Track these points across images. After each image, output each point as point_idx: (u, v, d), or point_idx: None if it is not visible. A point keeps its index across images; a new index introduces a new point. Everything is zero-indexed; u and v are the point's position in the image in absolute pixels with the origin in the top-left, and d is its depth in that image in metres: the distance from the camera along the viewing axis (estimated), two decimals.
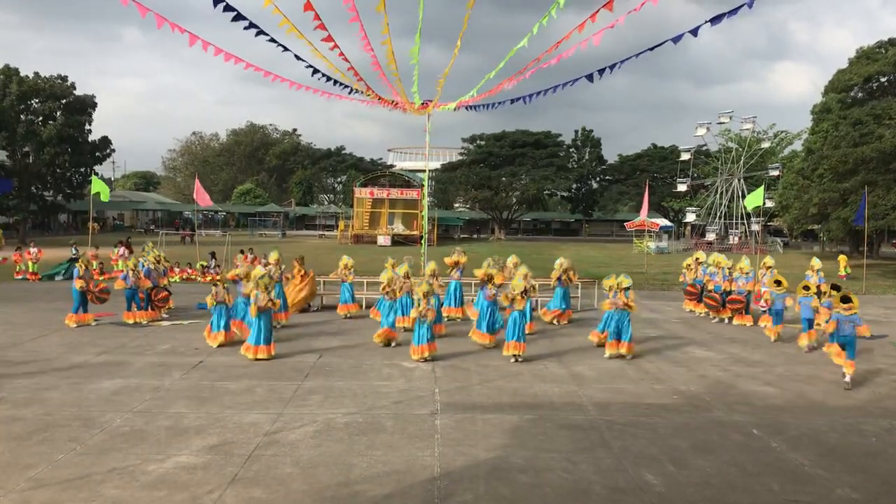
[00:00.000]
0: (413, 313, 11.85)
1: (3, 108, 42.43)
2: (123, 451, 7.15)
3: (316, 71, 13.81)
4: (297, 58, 12.68)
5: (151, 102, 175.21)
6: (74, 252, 25.36)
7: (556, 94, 13.67)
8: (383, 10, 11.55)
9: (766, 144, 54.62)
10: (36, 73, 45.13)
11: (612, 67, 10.86)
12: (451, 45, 15.43)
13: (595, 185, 72.97)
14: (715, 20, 8.48)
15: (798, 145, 52.38)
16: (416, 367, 11.16)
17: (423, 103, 17.54)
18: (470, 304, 15.34)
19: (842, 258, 28.14)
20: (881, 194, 29.05)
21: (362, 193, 53.23)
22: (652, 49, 9.60)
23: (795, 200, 36.53)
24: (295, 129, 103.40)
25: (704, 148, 58.34)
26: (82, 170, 47.56)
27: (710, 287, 16.79)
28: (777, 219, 53.37)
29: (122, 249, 24.46)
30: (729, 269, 16.54)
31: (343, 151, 79.16)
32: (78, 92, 46.51)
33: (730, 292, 16.29)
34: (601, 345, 12.62)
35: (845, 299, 10.89)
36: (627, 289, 12.21)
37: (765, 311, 15.43)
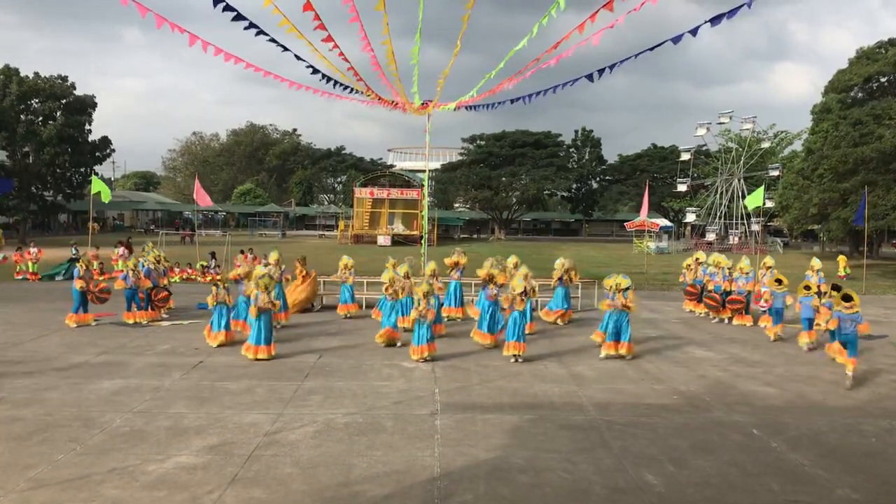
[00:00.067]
0: (413, 314, 11.85)
1: (3, 108, 42.44)
2: (123, 452, 7.16)
3: (316, 71, 13.81)
4: (298, 58, 12.68)
5: (151, 102, 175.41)
6: (75, 252, 25.36)
7: (556, 94, 13.67)
8: (383, 10, 11.54)
9: (766, 144, 54.64)
10: (36, 74, 45.17)
11: (611, 67, 10.85)
12: (451, 45, 15.44)
13: (595, 186, 73.00)
14: (714, 21, 8.48)
15: (798, 145, 52.44)
16: (415, 368, 11.16)
17: (422, 103, 17.54)
18: (472, 304, 15.34)
19: (841, 258, 28.17)
20: (881, 194, 29.05)
21: (362, 193, 53.24)
22: (652, 49, 9.60)
23: (795, 200, 36.54)
24: (295, 129, 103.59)
25: (704, 148, 58.37)
26: (82, 170, 47.57)
27: (710, 287, 16.79)
28: (777, 219, 53.38)
29: (121, 249, 24.46)
30: (729, 269, 16.55)
31: (343, 151, 79.25)
32: (78, 92, 46.57)
33: (730, 292, 16.30)
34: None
35: (847, 297, 10.92)
36: (626, 289, 12.20)
37: (765, 312, 15.45)
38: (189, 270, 23.67)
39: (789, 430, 8.37)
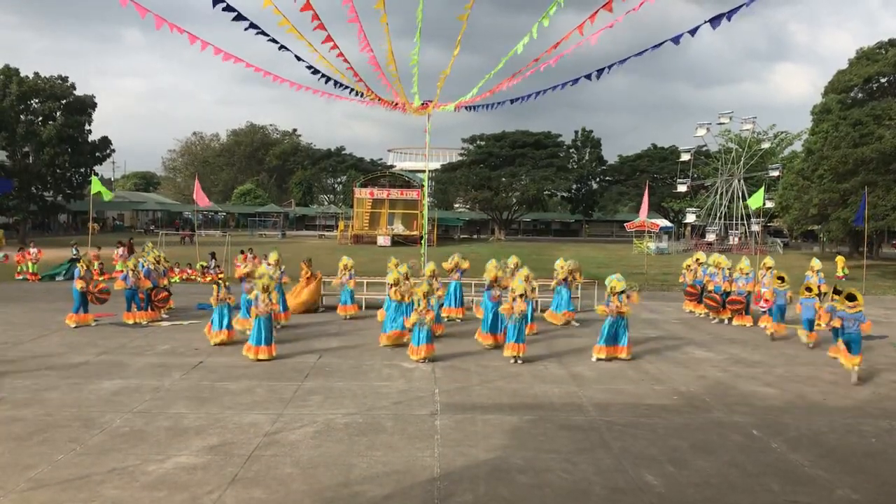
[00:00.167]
0: (414, 317, 11.84)
1: (3, 109, 42.44)
2: (123, 452, 7.16)
3: (316, 71, 13.81)
4: (298, 58, 12.68)
5: (151, 103, 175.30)
6: (75, 252, 25.37)
7: (556, 95, 13.71)
8: (382, 9, 11.53)
9: (766, 145, 54.63)
10: (36, 74, 45.18)
11: (609, 68, 10.82)
12: (451, 45, 15.44)
13: (595, 186, 72.99)
14: (714, 21, 8.47)
15: (798, 146, 52.44)
16: (415, 368, 11.17)
17: (422, 104, 17.53)
18: (478, 306, 15.35)
19: (839, 259, 28.20)
20: (881, 195, 29.06)
21: (362, 194, 53.23)
22: (653, 49, 9.59)
23: (795, 201, 36.56)
24: (295, 130, 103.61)
25: (704, 148, 58.36)
26: (82, 170, 47.58)
27: (710, 288, 16.80)
28: (777, 219, 53.40)
29: (121, 250, 24.46)
30: (729, 269, 16.57)
31: (343, 152, 79.28)
32: (78, 92, 46.58)
33: (729, 293, 16.31)
34: None
35: (851, 297, 10.97)
36: (621, 293, 12.18)
37: (765, 312, 15.49)
38: (189, 271, 23.68)
39: (789, 430, 8.37)
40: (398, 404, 9.09)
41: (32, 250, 23.70)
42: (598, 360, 11.94)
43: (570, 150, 70.43)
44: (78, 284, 14.32)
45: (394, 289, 12.90)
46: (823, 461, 7.35)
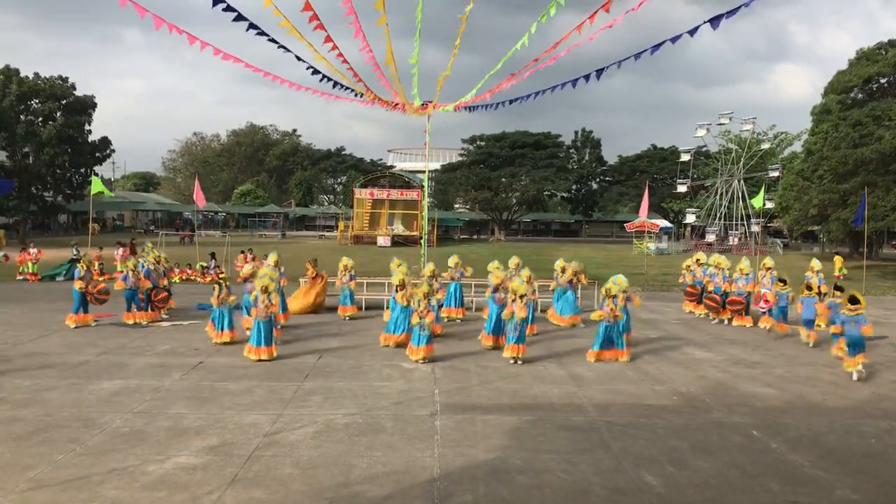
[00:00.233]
0: (414, 318, 11.83)
1: (3, 109, 42.42)
2: (123, 452, 7.16)
3: (316, 72, 13.81)
4: (298, 59, 12.68)
5: (151, 103, 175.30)
6: (75, 253, 25.37)
7: (555, 95, 13.70)
8: (382, 9, 11.52)
9: (765, 145, 54.63)
10: (36, 74, 45.16)
11: (605, 69, 10.80)
12: (451, 46, 15.44)
13: (595, 186, 72.99)
14: (714, 22, 8.48)
15: (798, 146, 52.45)
16: (415, 368, 11.17)
17: (422, 104, 17.54)
18: (486, 309, 15.36)
19: (837, 259, 28.24)
20: (881, 195, 29.07)
21: (362, 194, 53.24)
22: (652, 52, 9.58)
23: (795, 202, 36.56)
24: (295, 130, 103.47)
25: (704, 149, 58.35)
26: (82, 170, 47.55)
27: (710, 288, 16.81)
28: (777, 220, 53.37)
29: (121, 250, 24.46)
30: (729, 270, 16.58)
31: (343, 152, 79.36)
32: (78, 93, 46.55)
33: (729, 293, 16.32)
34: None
35: (853, 300, 11.01)
36: (615, 297, 12.17)
37: (764, 312, 15.52)
38: (189, 271, 23.68)
39: (789, 430, 8.37)
40: (398, 405, 9.09)
41: (32, 250, 23.71)
42: (597, 361, 11.93)
43: (570, 151, 70.45)
44: (77, 285, 14.32)
45: (400, 293, 12.78)
46: (823, 462, 7.35)
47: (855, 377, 10.96)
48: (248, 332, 12.18)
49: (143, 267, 15.32)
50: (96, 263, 18.43)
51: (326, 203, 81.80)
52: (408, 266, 14.22)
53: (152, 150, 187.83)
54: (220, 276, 13.80)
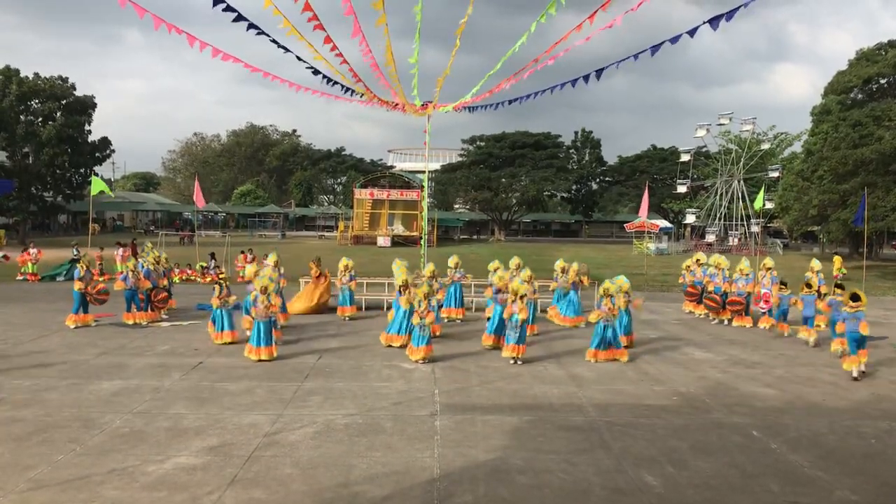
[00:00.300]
0: (415, 320, 11.83)
1: (3, 109, 42.40)
2: (123, 452, 7.16)
3: (317, 72, 13.80)
4: (299, 59, 12.67)
5: (151, 104, 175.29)
6: (76, 253, 25.37)
7: (555, 95, 13.67)
8: (381, 9, 11.51)
9: (765, 146, 54.64)
10: (36, 74, 45.12)
11: (603, 70, 10.79)
12: (451, 46, 15.43)
13: (595, 187, 72.99)
14: (713, 22, 8.48)
15: (798, 147, 52.45)
16: (415, 369, 11.17)
17: (422, 104, 17.52)
18: (489, 308, 15.38)
19: (836, 259, 28.26)
20: (881, 196, 29.07)
21: (362, 194, 53.23)
22: (653, 52, 9.58)
23: (795, 202, 36.57)
24: (295, 130, 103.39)
25: (704, 149, 58.35)
26: (82, 170, 47.53)
27: (710, 288, 16.81)
28: (777, 220, 53.36)
29: (121, 251, 24.46)
30: (728, 270, 16.59)
31: (343, 152, 79.38)
32: (78, 93, 46.54)
33: (729, 294, 16.33)
34: (628, 346, 12.83)
35: (855, 297, 11.07)
36: (612, 296, 12.18)
37: (764, 313, 15.55)
38: (189, 271, 23.68)
39: (789, 431, 8.38)
40: (398, 405, 9.09)
41: (32, 251, 23.71)
42: (595, 361, 11.93)
43: (570, 151, 70.44)
44: (76, 286, 14.31)
45: (404, 298, 12.69)
46: (823, 462, 7.36)
47: (855, 374, 11.01)
48: (248, 333, 12.18)
49: (142, 267, 15.32)
50: (97, 263, 18.42)
51: (326, 203, 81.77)
52: (406, 267, 14.20)
53: (152, 150, 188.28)
54: (221, 276, 13.81)
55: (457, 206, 77.48)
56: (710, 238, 52.56)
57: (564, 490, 6.48)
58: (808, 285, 14.27)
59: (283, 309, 14.93)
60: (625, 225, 55.54)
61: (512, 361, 11.64)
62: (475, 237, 66.82)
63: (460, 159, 67.56)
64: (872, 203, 27.29)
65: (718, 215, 54.31)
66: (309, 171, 79.05)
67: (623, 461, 7.22)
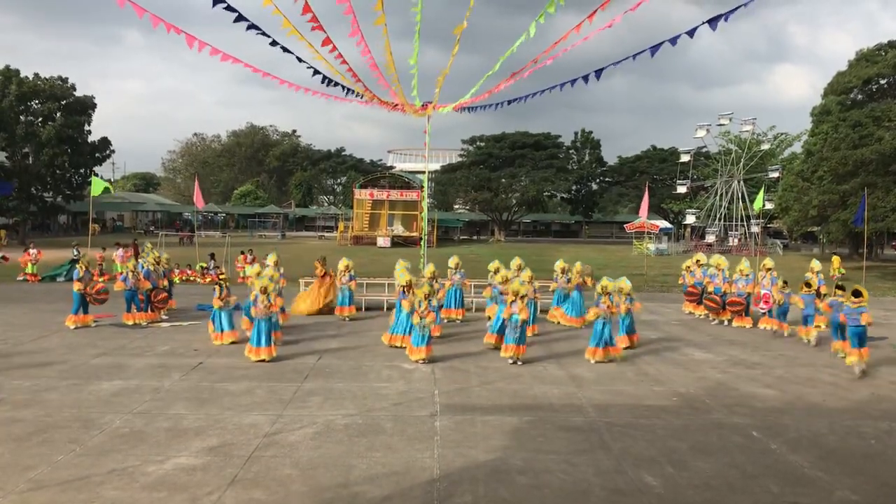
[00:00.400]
0: (415, 320, 11.83)
1: (3, 109, 42.39)
2: (123, 453, 7.15)
3: (317, 72, 13.80)
4: (299, 59, 12.66)
5: (151, 104, 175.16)
6: (76, 253, 25.36)
7: (555, 96, 13.72)
8: (381, 9, 11.50)
9: (765, 146, 54.67)
10: (36, 74, 45.11)
11: (602, 70, 10.78)
12: (450, 46, 15.44)
13: (595, 187, 72.96)
14: (713, 22, 8.48)
15: (798, 147, 52.47)
16: (415, 369, 11.17)
17: (422, 105, 17.52)
18: (492, 307, 15.39)
19: (835, 259, 28.27)
20: (881, 196, 29.08)
21: (362, 195, 53.24)
22: (652, 53, 9.57)
23: (795, 202, 36.56)
24: (294, 131, 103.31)
25: (704, 150, 58.39)
26: (82, 171, 47.51)
27: (710, 289, 16.82)
28: (777, 221, 53.37)
29: (121, 251, 24.46)
30: (728, 271, 16.61)
31: (343, 153, 79.43)
32: (78, 93, 46.54)
33: (729, 294, 16.33)
34: (628, 347, 12.84)
35: (857, 293, 11.11)
36: (610, 294, 12.20)
37: (764, 313, 15.56)
38: (189, 272, 23.68)
39: (789, 431, 8.38)
40: (398, 405, 9.09)
41: (32, 251, 23.70)
42: (597, 361, 11.93)
43: (570, 152, 70.40)
44: (75, 286, 14.31)
45: (407, 301, 12.55)
46: (823, 462, 7.36)
47: (857, 370, 11.07)
48: (248, 333, 12.18)
49: (142, 268, 15.31)
50: (98, 264, 18.41)
51: (326, 204, 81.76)
52: (408, 268, 14.21)
53: (152, 150, 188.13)
54: (221, 276, 13.81)
55: (457, 206, 77.48)
56: (710, 238, 52.58)
57: (564, 490, 6.48)
58: (808, 285, 14.32)
59: (283, 309, 14.92)
60: (625, 225, 55.55)
61: (511, 362, 11.64)
62: (475, 238, 66.83)
63: (460, 160, 67.56)
64: (872, 203, 27.29)
65: (718, 216, 54.32)
66: (309, 172, 79.06)
67: (623, 462, 7.22)
